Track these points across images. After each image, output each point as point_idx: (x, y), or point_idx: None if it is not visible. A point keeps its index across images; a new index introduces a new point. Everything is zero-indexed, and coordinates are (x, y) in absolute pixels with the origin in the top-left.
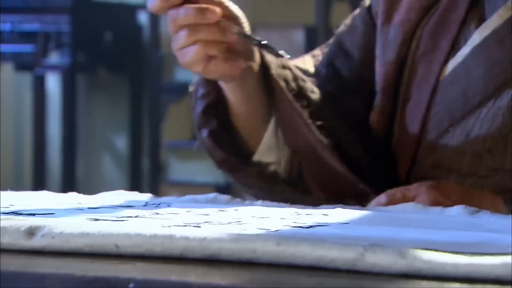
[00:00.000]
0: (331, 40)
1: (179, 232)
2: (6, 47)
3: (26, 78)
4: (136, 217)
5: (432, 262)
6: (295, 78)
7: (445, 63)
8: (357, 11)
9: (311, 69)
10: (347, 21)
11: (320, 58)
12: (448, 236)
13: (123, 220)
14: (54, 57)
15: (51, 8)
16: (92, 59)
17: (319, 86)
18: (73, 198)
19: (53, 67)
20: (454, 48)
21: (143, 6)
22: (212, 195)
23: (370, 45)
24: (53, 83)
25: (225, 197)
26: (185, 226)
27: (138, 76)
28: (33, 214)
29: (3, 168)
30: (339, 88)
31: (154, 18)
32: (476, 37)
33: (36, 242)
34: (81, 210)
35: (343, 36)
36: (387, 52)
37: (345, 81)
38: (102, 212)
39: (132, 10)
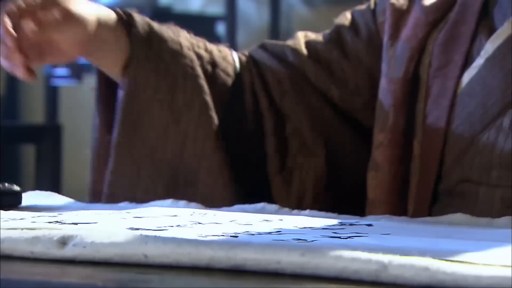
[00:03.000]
0: (328, 31)
1: (207, 242)
2: None
3: None
4: (177, 226)
5: (455, 274)
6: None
7: (460, 77)
8: (358, 9)
9: (297, 46)
10: (348, 14)
11: (311, 38)
12: (484, 249)
13: (163, 230)
14: None
15: None
16: None
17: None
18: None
19: None
20: (468, 61)
21: (221, 17)
22: (260, 204)
23: (369, 57)
24: None
25: (273, 206)
26: (223, 235)
27: None
28: (76, 223)
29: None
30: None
31: (231, 29)
32: (489, 48)
33: (68, 252)
34: (124, 219)
35: (342, 29)
36: (395, 69)
37: (332, 72)
38: (144, 222)
39: (211, 21)
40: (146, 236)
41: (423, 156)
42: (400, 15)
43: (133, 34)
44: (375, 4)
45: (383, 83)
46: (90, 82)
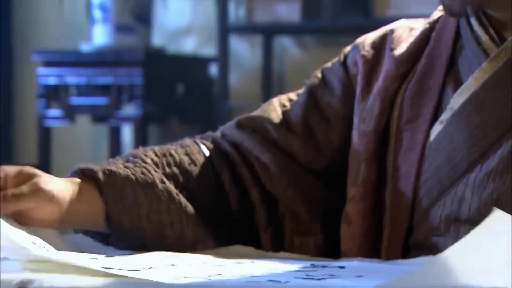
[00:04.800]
0: (301, 91)
1: (178, 285)
2: (83, 100)
3: (103, 129)
4: (150, 268)
5: None
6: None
7: (429, 130)
8: (328, 65)
9: (276, 119)
10: (318, 74)
11: (288, 107)
12: None
13: (135, 271)
14: (128, 109)
15: (124, 62)
16: (164, 110)
17: (284, 138)
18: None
19: (126, 119)
20: (436, 114)
21: (214, 59)
22: (234, 246)
23: (348, 111)
24: (128, 134)
25: (248, 249)
26: (196, 278)
27: (208, 126)
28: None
29: None
30: (312, 148)
31: (224, 70)
32: (454, 103)
33: None
34: (95, 259)
35: (316, 90)
36: (366, 123)
37: (317, 142)
38: (117, 261)
39: (204, 62)
40: (109, 278)
41: (393, 209)
42: (371, 67)
43: (108, 199)
44: (345, 57)
45: (355, 136)
46: (83, 123)
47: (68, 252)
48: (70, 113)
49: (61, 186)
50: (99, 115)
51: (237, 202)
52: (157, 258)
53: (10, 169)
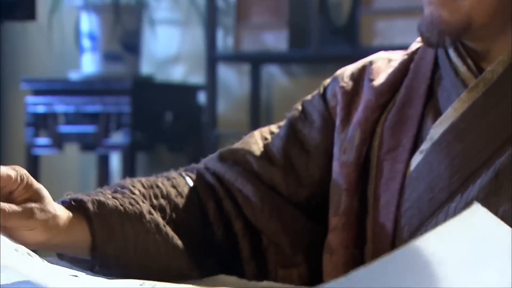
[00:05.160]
0: (282, 123)
1: None
2: (71, 128)
3: (91, 158)
4: None
5: None
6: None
7: (409, 160)
8: (308, 98)
9: (257, 152)
10: (298, 106)
11: (269, 139)
12: None
13: None
14: (116, 137)
15: (113, 90)
16: (152, 138)
17: (266, 169)
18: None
19: (114, 147)
20: (416, 144)
21: (203, 87)
22: (219, 276)
23: (328, 143)
24: (116, 162)
25: (232, 278)
26: None
27: (196, 154)
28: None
29: None
30: (292, 180)
31: (212, 99)
32: (434, 133)
33: None
34: (76, 276)
35: (296, 122)
36: (347, 153)
37: (297, 174)
38: (96, 281)
39: (192, 91)
40: None
41: (375, 239)
42: (350, 97)
43: (96, 230)
44: (325, 89)
45: (336, 166)
46: (72, 151)
47: (50, 266)
48: (59, 141)
49: (57, 213)
50: (87, 143)
51: (222, 233)
52: (134, 285)
53: (24, 175)
